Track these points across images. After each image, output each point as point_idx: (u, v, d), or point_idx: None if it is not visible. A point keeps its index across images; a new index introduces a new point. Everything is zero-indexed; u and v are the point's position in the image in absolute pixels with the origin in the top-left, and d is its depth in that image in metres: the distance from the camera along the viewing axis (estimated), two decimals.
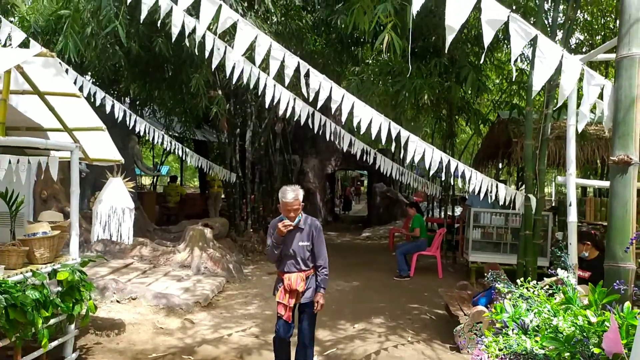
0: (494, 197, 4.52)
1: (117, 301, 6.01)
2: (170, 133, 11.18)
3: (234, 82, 4.10)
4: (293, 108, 4.67)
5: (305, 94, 3.21)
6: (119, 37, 7.57)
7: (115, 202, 4.76)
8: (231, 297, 7.00)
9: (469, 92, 8.13)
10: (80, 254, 7.65)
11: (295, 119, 4.53)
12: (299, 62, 3.08)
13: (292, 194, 3.65)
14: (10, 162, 3.66)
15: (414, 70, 7.91)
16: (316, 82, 3.11)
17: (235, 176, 10.37)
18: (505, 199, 4.75)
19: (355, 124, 3.43)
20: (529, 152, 5.23)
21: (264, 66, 3.94)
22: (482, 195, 4.41)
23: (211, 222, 9.32)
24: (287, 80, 3.09)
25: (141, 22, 4.96)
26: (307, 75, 3.15)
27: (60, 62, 4.43)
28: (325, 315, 6.21)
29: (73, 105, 4.27)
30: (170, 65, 10.11)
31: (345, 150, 5.66)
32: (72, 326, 4.35)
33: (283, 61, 3.04)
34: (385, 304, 6.73)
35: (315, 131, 5.12)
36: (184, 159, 7.56)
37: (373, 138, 3.46)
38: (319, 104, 3.29)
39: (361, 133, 3.56)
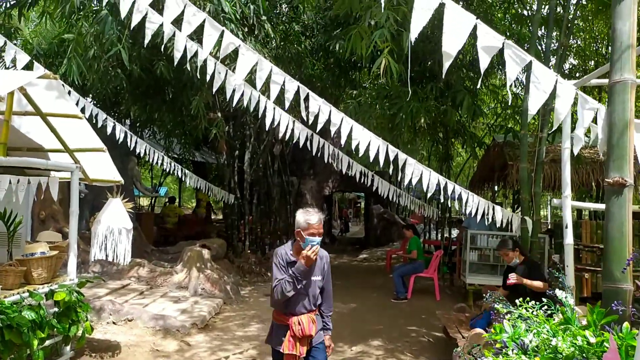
0: (490, 220, 4.55)
1: (114, 322, 5.95)
2: (170, 154, 11.25)
3: (234, 105, 4.17)
4: (292, 130, 4.73)
5: (305, 117, 3.27)
6: (120, 60, 7.71)
7: (113, 222, 4.78)
8: (229, 319, 6.94)
9: (465, 116, 8.23)
10: (78, 275, 7.62)
11: (293, 142, 4.57)
12: (298, 87, 3.14)
13: (318, 216, 3.06)
14: (10, 182, 3.69)
15: (410, 94, 8.05)
16: (316, 106, 3.17)
17: (234, 197, 10.39)
18: (502, 221, 4.78)
19: (353, 147, 3.47)
20: (524, 175, 5.29)
21: (264, 89, 4.01)
22: (479, 217, 4.45)
23: (209, 243, 9.29)
24: (287, 104, 3.14)
25: (144, 46, 5.08)
26: (306, 99, 3.22)
27: (62, 85, 4.51)
28: None
29: (74, 126, 4.32)
30: (170, 88, 10.24)
31: (343, 172, 5.70)
32: (68, 347, 4.31)
33: (283, 85, 3.10)
34: (383, 326, 6.68)
35: (314, 153, 5.17)
36: (182, 179, 7.58)
37: (371, 160, 3.50)
38: (319, 127, 3.34)
39: (359, 155, 3.60)
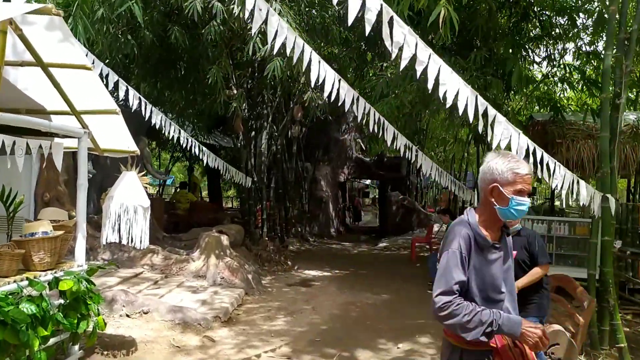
0: (575, 196, 3.81)
1: (127, 315, 5.28)
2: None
3: (274, 51, 3.46)
4: (338, 91, 4.00)
5: (390, 47, 2.52)
6: (131, 24, 6.98)
7: (128, 199, 4.08)
8: (252, 311, 6.26)
9: (514, 86, 7.41)
10: (87, 262, 6.93)
11: (335, 100, 3.82)
12: (382, 5, 2.40)
13: (526, 164, 1.94)
14: (4, 144, 2.98)
15: (450, 64, 7.27)
16: (400, 35, 2.43)
17: (251, 181, 9.68)
18: (585, 199, 4.04)
19: (441, 94, 2.74)
20: (605, 146, 4.54)
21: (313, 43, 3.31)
22: (563, 192, 3.71)
23: (226, 229, 8.60)
24: (367, 28, 2.40)
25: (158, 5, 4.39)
26: (390, 23, 2.47)
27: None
28: (360, 333, 5.47)
29: (82, 81, 3.60)
30: (183, 62, 9.51)
31: (388, 144, 4.96)
32: (76, 347, 3.62)
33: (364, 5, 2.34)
34: (425, 319, 5.96)
35: (359, 120, 4.44)
36: (200, 157, 6.87)
37: (460, 113, 2.79)
38: (403, 63, 2.60)
39: (447, 105, 2.88)
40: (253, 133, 10.55)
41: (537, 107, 9.12)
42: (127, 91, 4.66)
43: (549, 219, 7.84)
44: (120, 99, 5.20)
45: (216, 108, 8.51)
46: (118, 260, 7.24)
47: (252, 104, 10.58)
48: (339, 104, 4.08)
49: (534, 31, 7.87)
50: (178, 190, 13.41)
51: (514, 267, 2.08)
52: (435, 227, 17.34)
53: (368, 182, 31.62)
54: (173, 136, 5.82)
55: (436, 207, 21.08)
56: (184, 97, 9.95)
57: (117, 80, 4.59)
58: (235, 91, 8.70)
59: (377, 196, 34.80)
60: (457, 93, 2.67)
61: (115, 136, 4.10)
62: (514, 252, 2.66)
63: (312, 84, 3.75)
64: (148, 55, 8.56)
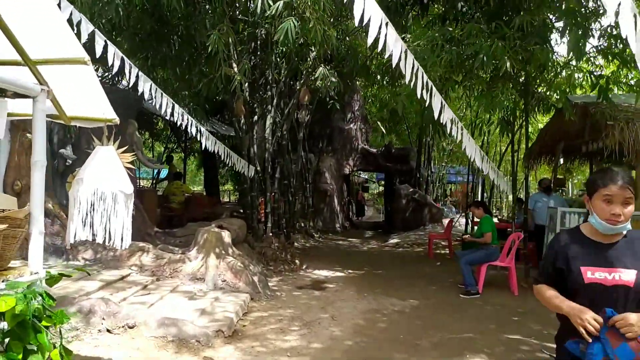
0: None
1: (108, 330, 4.26)
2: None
3: None
4: (385, 37, 2.99)
5: None
6: None
7: (104, 183, 3.04)
8: (261, 322, 5.24)
9: (570, 57, 6.38)
10: (62, 264, 5.85)
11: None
12: None
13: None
14: None
15: (489, 32, 6.27)
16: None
17: (254, 170, 8.64)
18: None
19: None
20: None
21: None
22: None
23: (227, 224, 7.57)
24: None
25: None
26: None
27: None
28: (395, 350, 4.47)
29: (39, 17, 2.56)
30: (178, 36, 8.46)
31: (435, 117, 3.97)
32: None
33: None
34: (472, 333, 4.97)
35: (407, 80, 3.43)
36: (198, 139, 5.83)
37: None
38: None
39: None
40: (255, 118, 9.49)
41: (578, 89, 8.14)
42: (105, 47, 3.61)
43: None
44: (102, 72, 4.17)
45: (214, 89, 7.48)
46: (102, 260, 6.21)
47: (255, 85, 9.54)
48: (386, 55, 3.06)
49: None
50: (173, 181, 12.30)
51: None
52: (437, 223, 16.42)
53: (365, 175, 30.65)
54: (166, 117, 4.75)
55: (441, 200, 20.02)
56: (179, 76, 8.90)
57: (93, 32, 3.53)
58: (236, 67, 7.63)
59: (379, 190, 33.97)
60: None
61: (86, 98, 3.06)
62: None
63: (357, 22, 2.73)
64: (138, 26, 7.51)
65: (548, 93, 8.28)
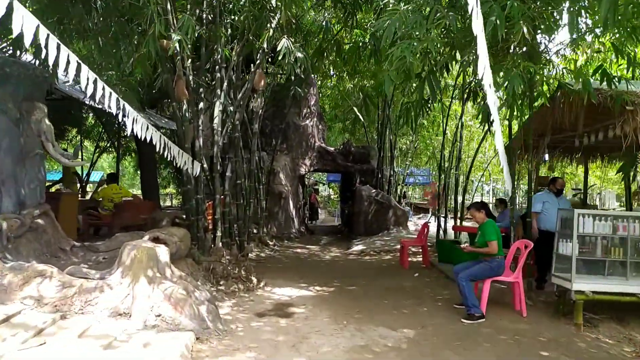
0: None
1: None
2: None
3: None
4: None
5: None
6: None
7: None
8: None
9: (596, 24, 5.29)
10: None
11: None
12: None
13: None
14: None
15: None
16: None
17: (199, 167, 7.00)
18: None
19: None
20: None
21: None
22: None
23: (165, 235, 5.89)
24: None
25: None
26: None
27: None
28: None
29: None
30: None
31: (479, 74, 2.65)
32: None
33: None
34: None
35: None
36: (129, 126, 4.19)
37: None
38: None
39: None
40: (202, 105, 7.84)
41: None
42: (10, 5, 1.99)
43: (615, 215, 5.84)
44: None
45: (151, 68, 5.81)
46: None
47: (201, 66, 7.89)
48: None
49: None
50: (108, 184, 10.23)
51: None
52: (412, 226, 15.31)
53: (314, 177, 29.38)
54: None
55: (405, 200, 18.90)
56: (102, 50, 7.11)
57: None
58: (176, 37, 5.95)
59: (333, 192, 32.81)
60: None
61: None
62: None
63: None
64: None
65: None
